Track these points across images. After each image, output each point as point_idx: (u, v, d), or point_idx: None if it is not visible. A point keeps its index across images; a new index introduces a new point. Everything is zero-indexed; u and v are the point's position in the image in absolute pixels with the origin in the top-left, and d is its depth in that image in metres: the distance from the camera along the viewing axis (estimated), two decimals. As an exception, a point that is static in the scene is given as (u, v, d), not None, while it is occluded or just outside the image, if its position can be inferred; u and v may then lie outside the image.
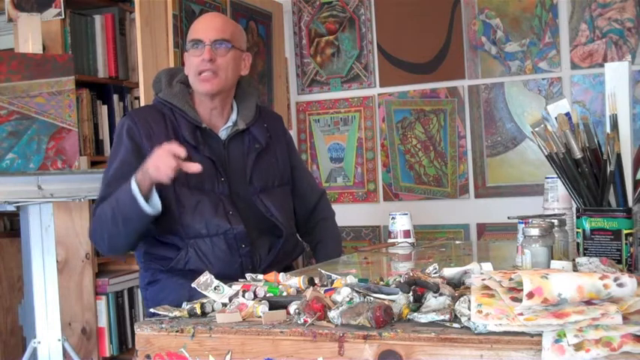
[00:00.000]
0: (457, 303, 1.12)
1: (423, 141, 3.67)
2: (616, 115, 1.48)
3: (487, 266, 1.38)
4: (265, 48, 3.47)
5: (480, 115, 3.54)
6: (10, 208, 2.65)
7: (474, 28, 3.55)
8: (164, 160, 1.81)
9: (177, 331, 1.21)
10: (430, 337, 1.05)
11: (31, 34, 2.90)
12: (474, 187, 3.57)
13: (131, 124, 2.02)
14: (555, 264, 1.34)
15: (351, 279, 1.40)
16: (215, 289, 1.36)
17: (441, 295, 1.17)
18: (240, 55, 2.08)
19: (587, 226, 1.46)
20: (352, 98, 3.79)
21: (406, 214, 2.36)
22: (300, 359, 1.12)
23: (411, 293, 1.18)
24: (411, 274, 1.29)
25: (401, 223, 2.35)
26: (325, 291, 1.27)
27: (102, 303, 3.16)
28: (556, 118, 1.52)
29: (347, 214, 3.55)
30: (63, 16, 3.08)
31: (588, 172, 1.48)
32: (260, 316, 1.21)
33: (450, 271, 1.34)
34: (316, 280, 1.44)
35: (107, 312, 3.17)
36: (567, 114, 1.53)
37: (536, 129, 1.54)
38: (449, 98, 3.60)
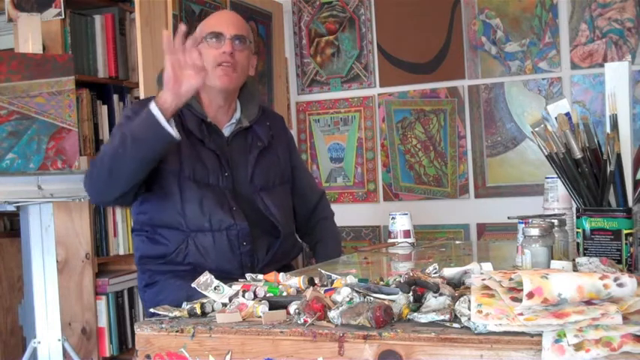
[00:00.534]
0: (457, 303, 1.12)
1: (423, 141, 3.67)
2: (616, 115, 1.48)
3: (487, 266, 1.37)
4: (265, 48, 3.47)
5: (479, 115, 3.54)
6: (10, 208, 2.66)
7: (474, 28, 3.55)
8: (181, 65, 1.76)
9: (177, 331, 1.21)
10: (430, 337, 1.05)
11: (31, 34, 2.90)
12: (474, 187, 3.57)
13: (137, 106, 2.02)
14: (555, 264, 1.34)
15: (351, 279, 1.40)
16: (215, 289, 1.36)
17: (441, 295, 1.17)
18: (251, 55, 2.09)
19: (587, 226, 1.46)
20: (352, 98, 3.79)
21: (406, 214, 2.36)
22: (300, 359, 1.12)
23: (411, 293, 1.18)
24: (411, 274, 1.29)
25: (401, 223, 2.35)
26: (325, 291, 1.27)
27: (102, 303, 3.16)
28: (556, 118, 1.52)
29: (347, 214, 3.55)
30: (63, 16, 3.08)
31: (588, 172, 1.48)
32: (260, 316, 1.21)
33: (450, 271, 1.34)
34: (316, 280, 1.44)
35: (107, 312, 3.17)
36: (567, 114, 1.53)
37: (536, 129, 1.54)
38: (449, 98, 3.60)
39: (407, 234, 2.34)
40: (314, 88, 3.87)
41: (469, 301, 1.10)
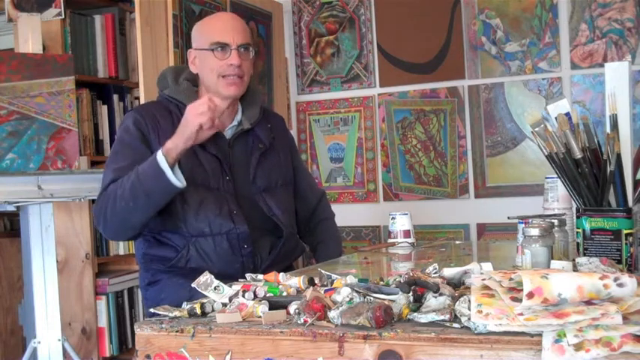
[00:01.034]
0: (457, 303, 1.12)
1: (423, 141, 3.67)
2: (616, 115, 1.48)
3: (487, 266, 1.37)
4: (265, 48, 3.47)
5: (479, 115, 3.54)
6: (10, 208, 2.65)
7: (473, 28, 3.55)
8: (197, 108, 1.81)
9: (177, 331, 1.21)
10: (430, 337, 1.05)
11: (31, 34, 2.90)
12: (474, 187, 3.57)
13: (138, 116, 2.02)
14: (555, 264, 1.34)
15: (351, 279, 1.40)
16: (215, 289, 1.36)
17: (441, 295, 1.17)
18: (253, 58, 2.10)
19: (587, 226, 1.46)
20: (352, 98, 3.79)
21: (406, 214, 2.36)
22: (300, 359, 1.12)
23: (411, 293, 1.18)
24: (411, 274, 1.29)
25: (401, 223, 2.35)
26: (325, 291, 1.27)
27: (102, 303, 3.16)
28: (556, 118, 1.52)
29: (347, 214, 3.55)
30: (63, 16, 3.08)
31: (588, 172, 1.48)
32: (260, 316, 1.21)
33: (450, 271, 1.34)
34: (316, 280, 1.44)
35: (107, 312, 3.17)
36: (567, 114, 1.53)
37: (536, 129, 1.54)
38: (449, 98, 3.60)
39: (407, 234, 2.34)
40: (314, 88, 3.87)
41: (469, 301, 1.10)
